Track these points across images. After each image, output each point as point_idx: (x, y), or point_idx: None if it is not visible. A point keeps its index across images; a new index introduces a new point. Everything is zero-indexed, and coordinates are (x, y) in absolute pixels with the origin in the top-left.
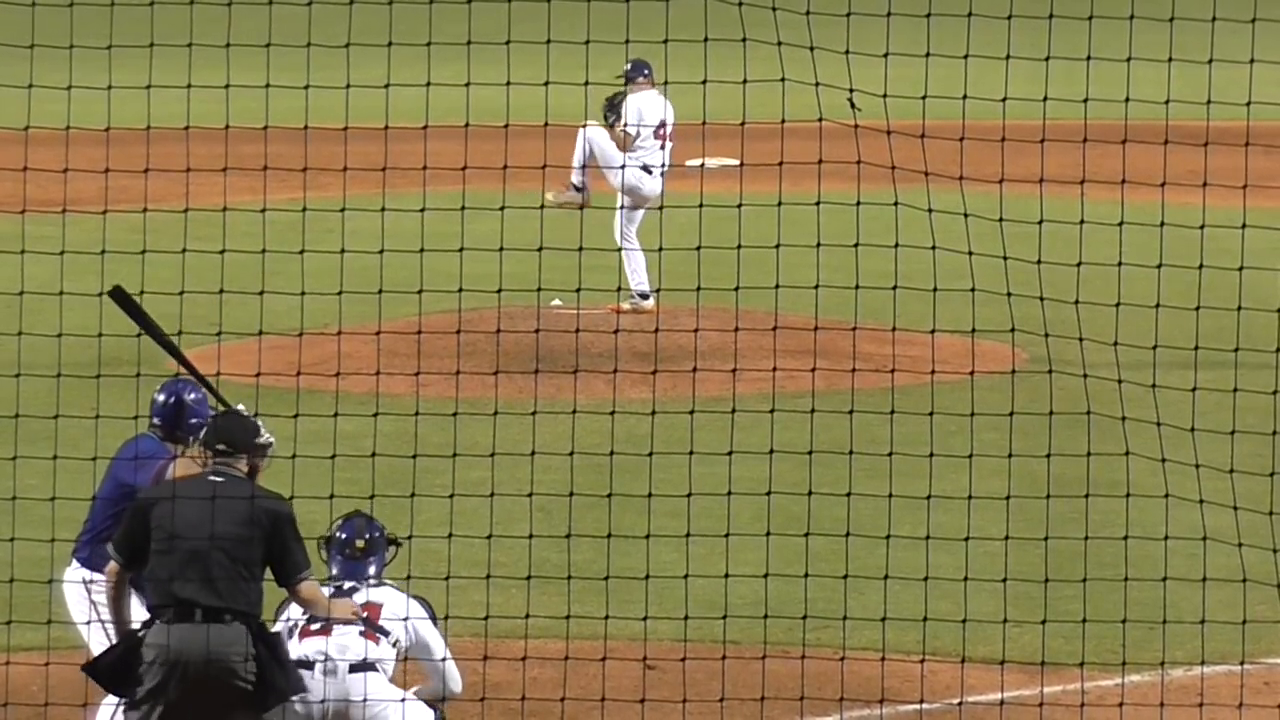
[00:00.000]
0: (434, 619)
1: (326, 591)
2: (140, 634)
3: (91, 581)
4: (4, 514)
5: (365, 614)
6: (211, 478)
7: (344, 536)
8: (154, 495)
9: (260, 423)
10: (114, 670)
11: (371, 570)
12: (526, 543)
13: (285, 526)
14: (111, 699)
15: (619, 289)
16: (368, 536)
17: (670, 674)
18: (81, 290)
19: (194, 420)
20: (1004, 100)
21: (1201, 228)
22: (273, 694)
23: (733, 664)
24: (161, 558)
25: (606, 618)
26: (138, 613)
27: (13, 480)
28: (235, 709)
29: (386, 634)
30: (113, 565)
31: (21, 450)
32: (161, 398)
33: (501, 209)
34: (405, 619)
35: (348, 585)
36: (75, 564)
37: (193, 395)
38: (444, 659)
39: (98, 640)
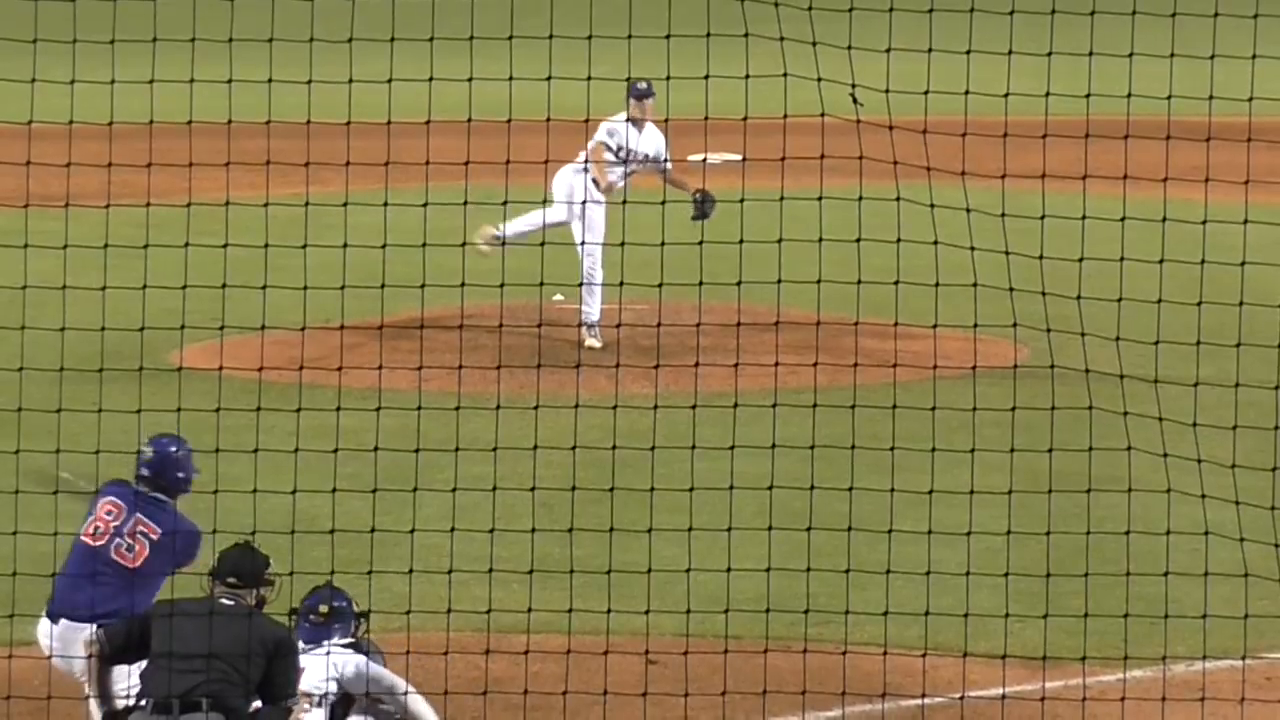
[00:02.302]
0: (369, 658)
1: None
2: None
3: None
4: (7, 508)
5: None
6: (222, 600)
7: (309, 604)
8: (163, 610)
9: (269, 557)
10: None
11: (335, 638)
12: (529, 537)
13: (286, 654)
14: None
15: (621, 283)
16: (331, 605)
17: (672, 669)
18: (84, 285)
19: (180, 475)
20: (1006, 96)
21: (1204, 223)
22: None
23: (735, 659)
24: (159, 659)
25: (608, 612)
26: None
27: (15, 475)
28: None
29: (308, 696)
30: (96, 647)
31: (24, 444)
32: (149, 451)
33: (504, 204)
34: (339, 673)
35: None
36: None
37: (181, 451)
38: (406, 693)
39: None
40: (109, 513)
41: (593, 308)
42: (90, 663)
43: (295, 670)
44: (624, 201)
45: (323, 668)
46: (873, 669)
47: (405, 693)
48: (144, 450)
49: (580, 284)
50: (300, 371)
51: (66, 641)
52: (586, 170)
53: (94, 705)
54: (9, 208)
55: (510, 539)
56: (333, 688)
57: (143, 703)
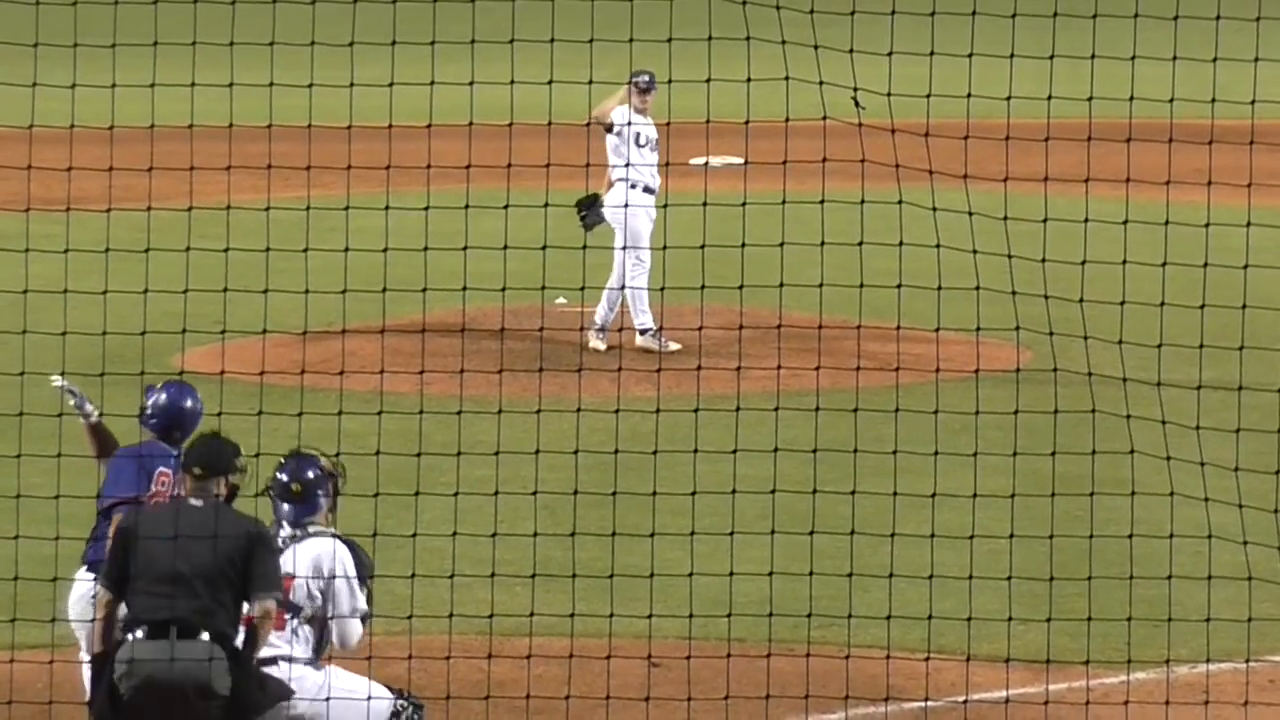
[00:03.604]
0: (362, 576)
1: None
2: (116, 653)
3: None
4: (8, 512)
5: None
6: (191, 502)
7: (279, 483)
8: (133, 522)
9: (238, 445)
10: (106, 701)
11: (321, 504)
12: (531, 541)
13: (260, 545)
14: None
15: (623, 286)
16: (303, 479)
17: (675, 672)
18: (85, 289)
19: (196, 423)
20: (1008, 99)
21: (1206, 226)
22: (246, 711)
23: (738, 662)
24: (140, 581)
25: (611, 616)
26: None
27: (17, 478)
28: None
29: (297, 610)
30: (103, 595)
31: (26, 448)
32: (163, 398)
33: (505, 208)
34: (324, 576)
35: (284, 536)
36: (83, 568)
37: (190, 401)
38: (340, 616)
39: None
40: (163, 483)
41: (645, 314)
42: (98, 610)
43: (271, 563)
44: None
45: (325, 560)
46: (876, 672)
47: (339, 616)
48: (156, 396)
49: (609, 288)
50: (302, 375)
51: None
52: (627, 178)
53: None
54: (10, 211)
55: (512, 542)
56: (316, 597)
57: (138, 632)
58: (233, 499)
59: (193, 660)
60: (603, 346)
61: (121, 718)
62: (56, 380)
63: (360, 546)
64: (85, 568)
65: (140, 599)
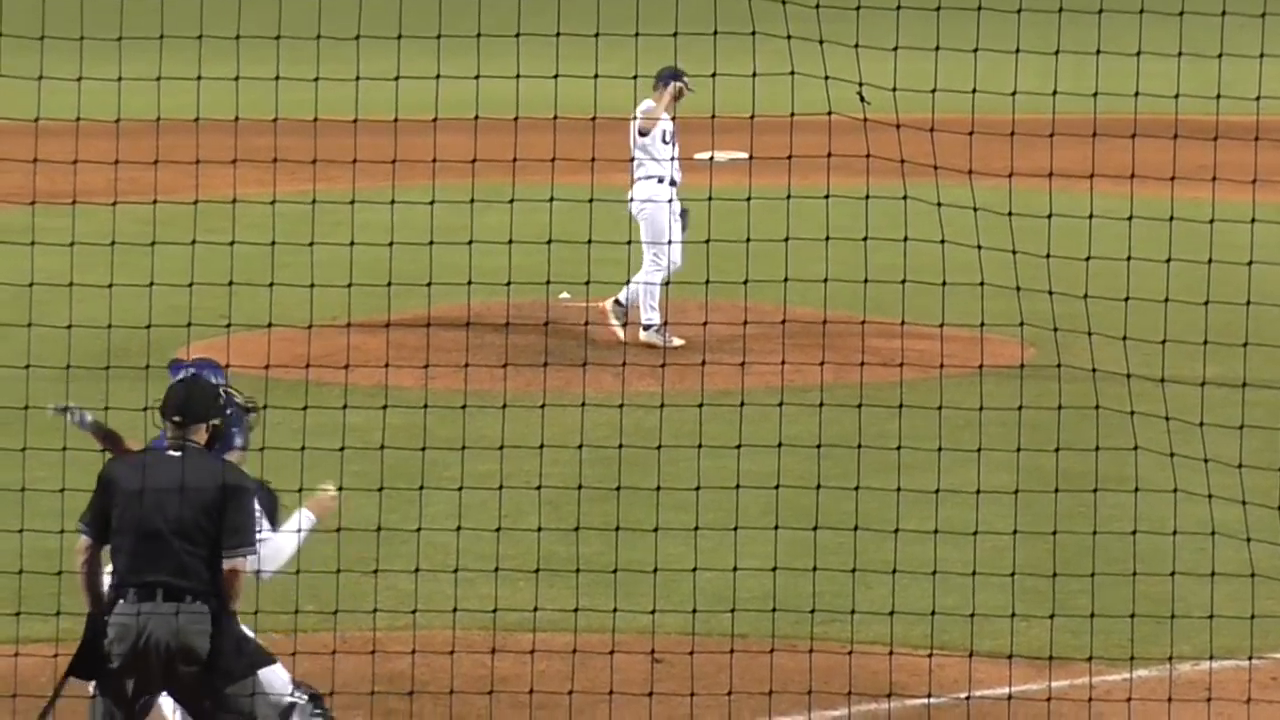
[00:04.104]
0: (272, 505)
1: None
2: (105, 616)
3: None
4: (13, 506)
5: None
6: (170, 453)
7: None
8: (113, 471)
9: (225, 387)
10: (87, 659)
11: (237, 441)
12: (535, 536)
13: (238, 497)
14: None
15: (626, 282)
16: (224, 414)
17: (678, 668)
18: (91, 282)
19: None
20: (1013, 94)
21: (1211, 222)
22: (222, 676)
23: (741, 658)
24: (122, 538)
25: (614, 611)
26: None
27: (21, 472)
28: (198, 688)
29: None
30: (83, 540)
31: (31, 442)
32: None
33: (511, 202)
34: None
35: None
36: None
37: (215, 378)
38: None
39: None
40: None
41: (654, 309)
42: (78, 554)
43: (243, 517)
44: (629, 200)
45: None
46: (878, 668)
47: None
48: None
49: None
50: (307, 369)
51: None
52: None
53: None
54: (16, 204)
55: (516, 537)
56: None
57: (128, 595)
58: (226, 447)
59: (185, 624)
60: (660, 341)
61: (105, 680)
62: (50, 411)
63: (264, 486)
64: None
65: (122, 558)
